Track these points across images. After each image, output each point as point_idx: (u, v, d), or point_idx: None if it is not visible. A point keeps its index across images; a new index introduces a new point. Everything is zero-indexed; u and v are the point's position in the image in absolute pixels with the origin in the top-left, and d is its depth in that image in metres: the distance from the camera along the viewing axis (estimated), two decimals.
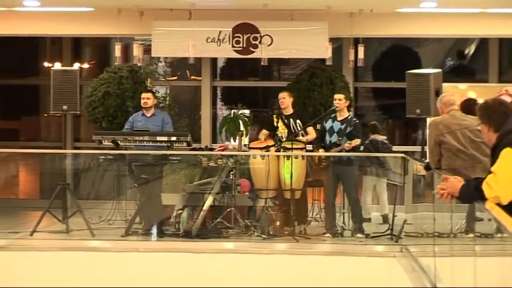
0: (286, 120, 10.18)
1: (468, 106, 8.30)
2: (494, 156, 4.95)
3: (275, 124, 10.23)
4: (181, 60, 13.65)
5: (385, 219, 10.66)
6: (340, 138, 9.83)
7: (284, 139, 10.02)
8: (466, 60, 14.17)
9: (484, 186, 4.82)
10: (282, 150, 9.97)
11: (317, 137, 10.09)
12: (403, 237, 9.40)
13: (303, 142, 10.05)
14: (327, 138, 9.93)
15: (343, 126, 9.89)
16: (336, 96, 10.12)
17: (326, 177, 10.01)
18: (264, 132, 10.37)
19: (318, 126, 10.33)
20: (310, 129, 10.18)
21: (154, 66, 13.88)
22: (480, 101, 6.97)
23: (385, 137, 11.31)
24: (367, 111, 14.26)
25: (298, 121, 10.20)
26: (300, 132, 10.11)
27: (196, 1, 11.68)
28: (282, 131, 10.11)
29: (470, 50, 14.12)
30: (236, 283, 9.19)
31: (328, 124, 9.98)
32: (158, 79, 13.89)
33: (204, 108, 13.58)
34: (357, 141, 9.67)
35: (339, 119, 9.95)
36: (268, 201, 10.11)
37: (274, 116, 10.41)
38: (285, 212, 10.00)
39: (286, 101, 10.28)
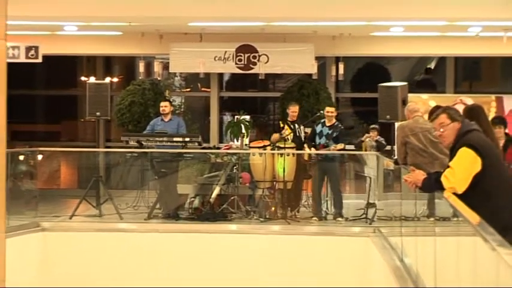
0: (292, 126, 10.20)
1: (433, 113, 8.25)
2: (452, 153, 4.95)
3: (282, 128, 10.26)
4: (194, 75, 13.62)
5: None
6: (328, 141, 9.88)
7: (289, 140, 10.05)
8: (425, 76, 14.17)
9: (443, 179, 4.81)
10: (276, 149, 10.00)
11: (309, 138, 10.14)
12: (376, 221, 9.38)
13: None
14: (317, 139, 9.97)
15: (330, 131, 9.94)
16: (329, 109, 10.17)
17: (315, 172, 10.02)
18: (275, 136, 10.37)
19: (308, 130, 10.39)
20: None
21: (171, 80, 13.89)
22: None
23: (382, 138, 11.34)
24: (346, 117, 14.25)
25: (301, 126, 10.24)
26: (302, 136, 10.19)
27: (206, 26, 11.69)
28: (288, 134, 10.12)
29: (431, 66, 14.11)
30: (238, 257, 9.20)
31: (318, 128, 10.02)
32: (175, 90, 13.89)
33: (212, 114, 13.57)
34: (341, 145, 9.81)
35: (327, 124, 10.00)
36: (265, 191, 10.10)
37: (281, 121, 10.45)
38: (278, 200, 9.99)
39: (296, 113, 10.33)
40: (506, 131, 8.42)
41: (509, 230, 4.16)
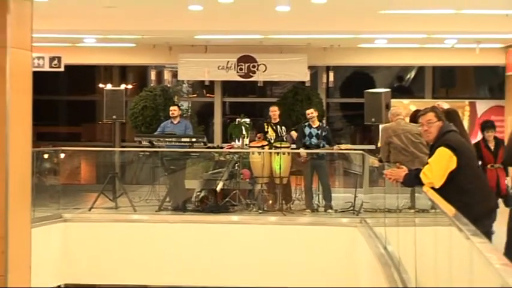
0: (274, 127, 10.17)
1: (414, 116, 8.24)
2: (431, 151, 4.96)
3: (265, 129, 10.22)
4: (200, 82, 13.63)
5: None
6: (320, 140, 9.83)
7: (272, 141, 10.01)
8: (406, 83, 14.16)
9: (422, 175, 4.82)
10: (273, 148, 9.98)
11: (298, 139, 10.06)
12: (362, 212, 9.37)
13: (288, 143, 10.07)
14: (307, 140, 9.89)
15: (319, 132, 9.88)
16: (308, 111, 10.01)
17: (306, 169, 9.99)
18: (259, 135, 10.37)
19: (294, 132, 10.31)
20: (293, 132, 10.20)
21: (180, 86, 13.85)
22: None
23: None
24: (336, 120, 14.24)
25: (283, 127, 10.20)
26: (284, 136, 10.12)
27: (210, 39, 11.70)
28: (271, 135, 10.10)
29: (411, 74, 14.10)
30: (239, 245, 9.19)
31: (306, 130, 9.93)
32: (183, 96, 13.87)
33: (216, 117, 13.56)
34: (346, 146, 9.80)
35: (314, 126, 9.92)
36: (263, 186, 10.08)
37: (265, 123, 10.41)
38: (275, 194, 9.98)
39: (276, 113, 10.27)
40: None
41: (480, 220, 4.18)
